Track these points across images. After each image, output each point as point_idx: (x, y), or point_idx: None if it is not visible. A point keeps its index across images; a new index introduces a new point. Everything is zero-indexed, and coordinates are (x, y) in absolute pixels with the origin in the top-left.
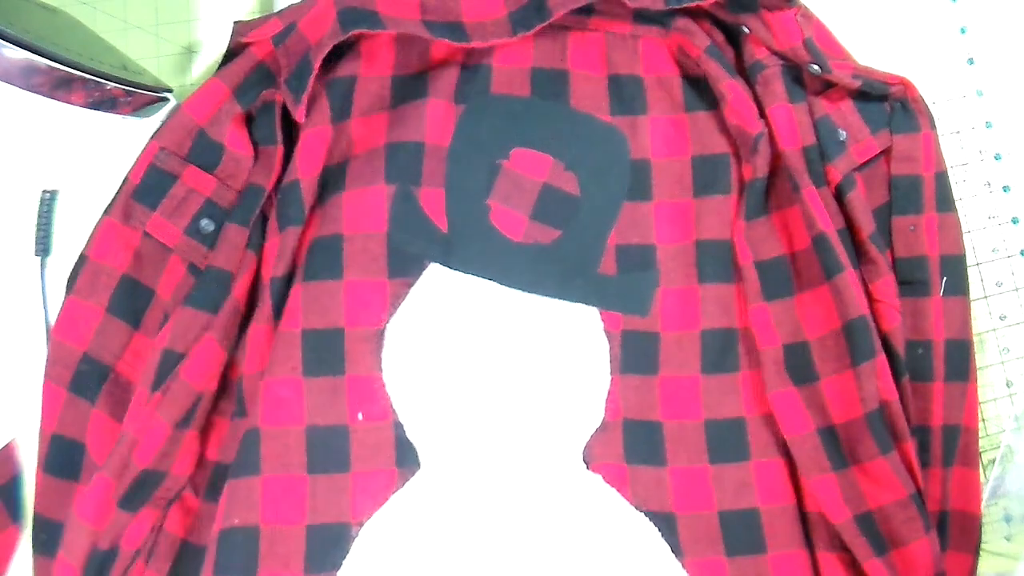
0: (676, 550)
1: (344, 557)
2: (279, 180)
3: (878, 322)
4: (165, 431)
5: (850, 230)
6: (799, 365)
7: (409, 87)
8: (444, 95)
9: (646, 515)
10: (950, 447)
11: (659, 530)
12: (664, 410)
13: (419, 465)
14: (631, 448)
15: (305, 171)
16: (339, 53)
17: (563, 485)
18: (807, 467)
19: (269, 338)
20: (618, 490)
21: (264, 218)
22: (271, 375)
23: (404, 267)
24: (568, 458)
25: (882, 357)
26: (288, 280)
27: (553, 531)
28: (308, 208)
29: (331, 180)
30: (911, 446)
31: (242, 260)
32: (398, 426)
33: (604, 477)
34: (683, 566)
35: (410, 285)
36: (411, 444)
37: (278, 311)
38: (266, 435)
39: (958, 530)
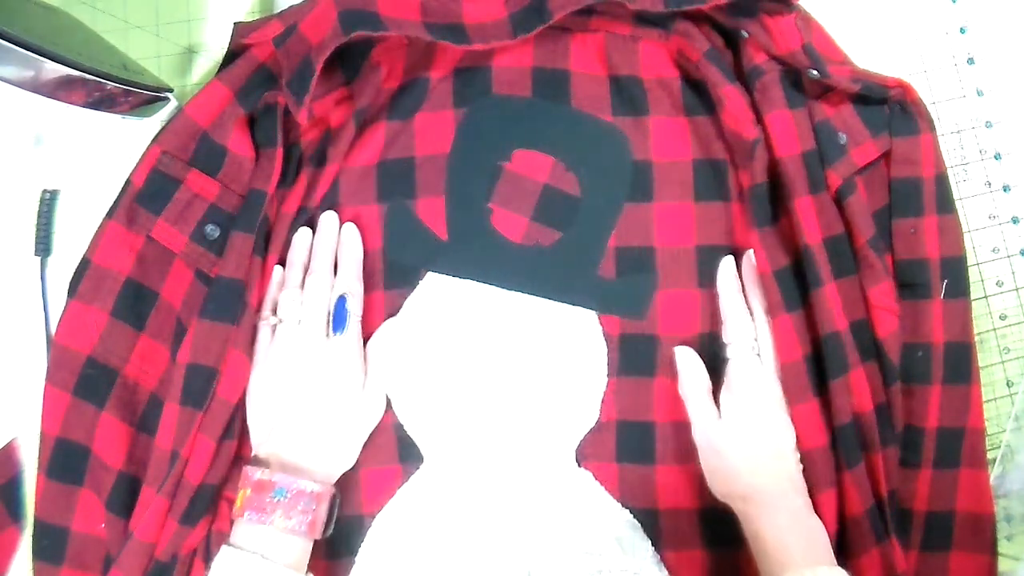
0: (657, 543)
1: (360, 544)
2: (280, 182)
3: (875, 328)
4: (211, 447)
5: (849, 235)
6: (815, 372)
7: (409, 95)
8: (442, 103)
9: (631, 511)
10: (947, 449)
11: (642, 525)
12: (659, 411)
13: (422, 461)
14: (623, 448)
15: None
16: (356, 65)
17: (554, 481)
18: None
19: None
20: (606, 487)
21: (268, 222)
22: None
23: (401, 278)
24: (561, 456)
25: (858, 371)
26: None
27: (543, 524)
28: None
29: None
30: (880, 457)
31: (250, 267)
32: (398, 427)
33: (594, 475)
34: (662, 558)
35: (406, 295)
36: (412, 442)
37: None
38: None
39: (970, 531)
